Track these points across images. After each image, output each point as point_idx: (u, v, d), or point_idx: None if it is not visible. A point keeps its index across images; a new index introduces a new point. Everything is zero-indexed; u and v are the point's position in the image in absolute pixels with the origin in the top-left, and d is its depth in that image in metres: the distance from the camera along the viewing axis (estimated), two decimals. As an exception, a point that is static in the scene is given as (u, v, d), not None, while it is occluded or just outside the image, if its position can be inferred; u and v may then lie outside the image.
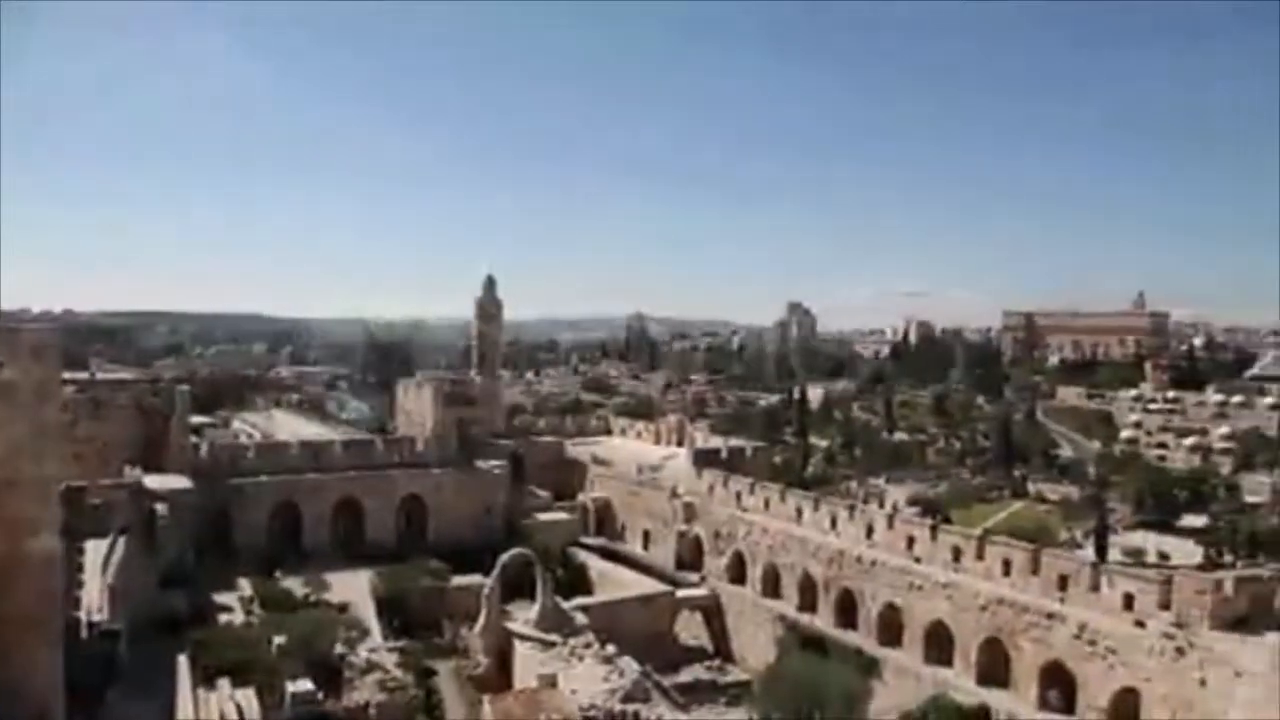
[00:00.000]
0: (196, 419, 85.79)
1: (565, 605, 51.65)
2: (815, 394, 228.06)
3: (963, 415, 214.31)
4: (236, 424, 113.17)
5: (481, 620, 51.02)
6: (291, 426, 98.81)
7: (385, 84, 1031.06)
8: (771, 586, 60.95)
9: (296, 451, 70.59)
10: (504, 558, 52.65)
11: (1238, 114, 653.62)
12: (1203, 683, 36.74)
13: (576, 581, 62.80)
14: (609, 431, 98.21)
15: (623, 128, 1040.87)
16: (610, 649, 44.71)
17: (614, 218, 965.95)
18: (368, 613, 53.76)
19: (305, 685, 39.12)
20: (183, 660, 33.08)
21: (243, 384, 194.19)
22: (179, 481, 55.33)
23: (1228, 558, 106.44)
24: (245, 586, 54.55)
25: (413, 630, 53.93)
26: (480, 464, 72.89)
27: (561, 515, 73.58)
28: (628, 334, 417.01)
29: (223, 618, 48.51)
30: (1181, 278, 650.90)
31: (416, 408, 78.64)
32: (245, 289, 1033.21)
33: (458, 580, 58.65)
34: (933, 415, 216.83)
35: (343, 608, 52.81)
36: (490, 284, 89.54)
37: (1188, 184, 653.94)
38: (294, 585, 56.04)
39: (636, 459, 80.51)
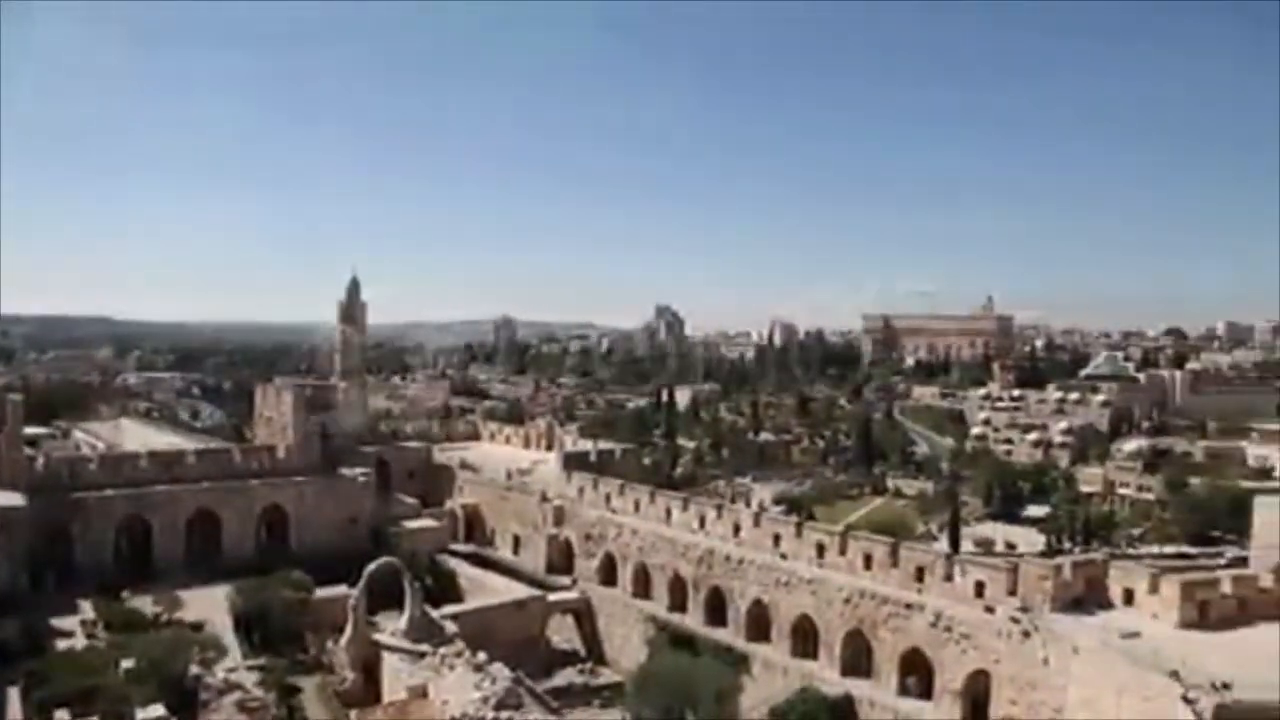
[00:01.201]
0: (31, 430, 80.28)
1: (435, 614, 50.66)
2: (683, 396, 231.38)
3: (825, 415, 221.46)
4: (78, 435, 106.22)
5: (347, 633, 49.53)
6: (141, 436, 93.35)
7: (242, 81, 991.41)
8: (642, 587, 61.45)
9: (146, 463, 66.73)
10: (370, 567, 51.23)
11: (1083, 131, 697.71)
12: (1045, 661, 39.06)
13: (446, 589, 61.79)
14: (477, 436, 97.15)
15: (486, 128, 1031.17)
16: (481, 657, 44.10)
17: (481, 220, 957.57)
18: (225, 630, 51.42)
19: (157, 710, 37.03)
20: (14, 693, 30.81)
21: (85, 392, 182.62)
22: (10, 498, 51.63)
23: (1066, 544, 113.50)
24: (88, 609, 51.31)
25: (275, 646, 51.86)
26: (345, 472, 70.82)
27: (430, 522, 72.24)
28: (496, 337, 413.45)
29: (61, 644, 45.55)
30: (1025, 282, 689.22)
31: (277, 414, 75.73)
32: (88, 289, 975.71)
33: (322, 592, 56.76)
34: (797, 416, 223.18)
35: (198, 626, 50.35)
36: (354, 287, 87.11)
37: (1032, 191, 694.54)
38: (143, 605, 53.07)
39: (506, 463, 79.86)
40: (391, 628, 48.36)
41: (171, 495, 64.17)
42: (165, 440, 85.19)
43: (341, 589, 54.21)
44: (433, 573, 62.42)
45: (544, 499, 70.51)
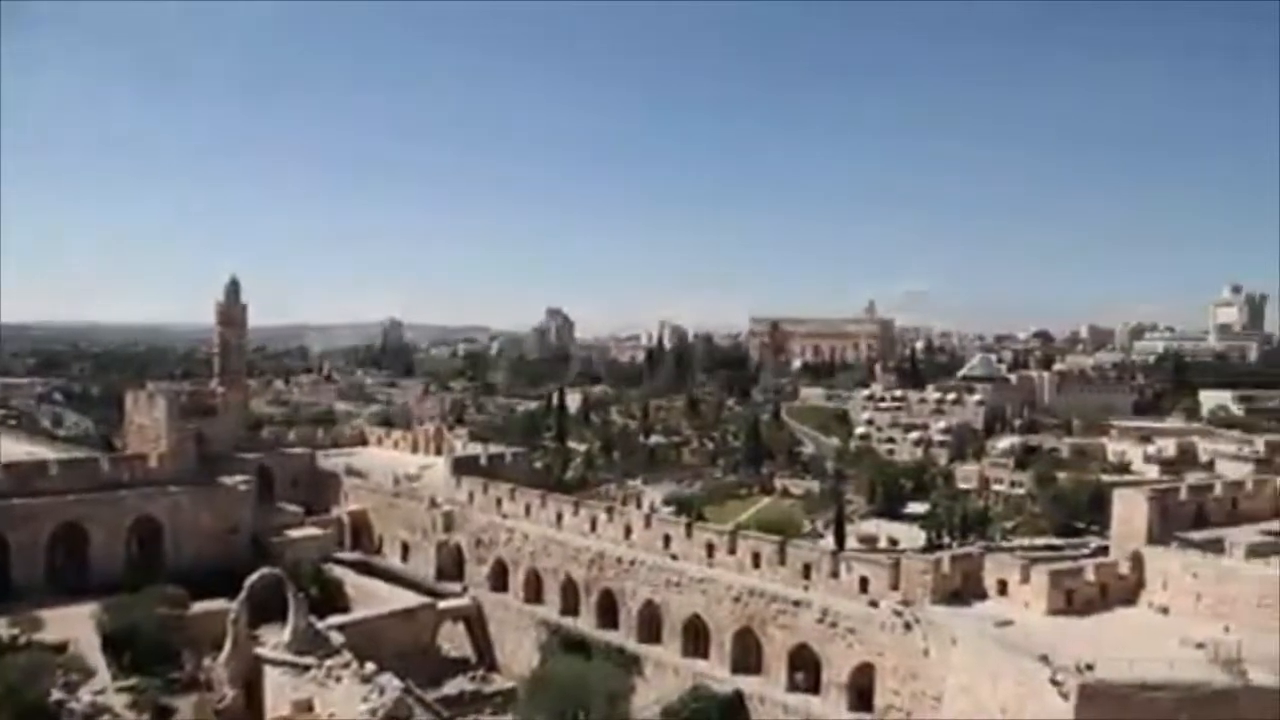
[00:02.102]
0: None
1: (320, 625, 49.18)
2: (574, 399, 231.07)
3: (714, 417, 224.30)
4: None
5: (227, 648, 47.62)
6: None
7: (117, 74, 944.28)
8: (534, 592, 61.10)
9: (0, 475, 62.86)
10: (251, 579, 49.38)
11: (951, 137, 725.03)
12: (926, 652, 40.55)
13: (332, 599, 60.05)
14: (364, 441, 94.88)
15: (369, 128, 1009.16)
16: (370, 667, 43.05)
17: (367, 219, 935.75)
18: (92, 650, 48.83)
19: (16, 737, 35.00)
20: None
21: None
22: None
23: (946, 539, 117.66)
24: (-66, 634, 47.98)
25: (147, 666, 49.47)
26: (224, 480, 68.16)
27: (314, 531, 70.16)
28: (383, 340, 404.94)
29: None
30: (905, 284, 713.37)
31: (149, 421, 72.35)
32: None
33: (199, 607, 54.47)
34: (687, 418, 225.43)
35: (60, 647, 47.68)
36: (233, 288, 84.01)
37: (916, 197, 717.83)
38: (-1, 626, 49.96)
39: (393, 469, 78.26)
40: (274, 641, 46.76)
41: (30, 509, 60.58)
42: (23, 450, 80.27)
43: (221, 603, 52.14)
44: (318, 582, 60.62)
45: (433, 504, 69.39)
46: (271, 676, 44.61)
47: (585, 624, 56.96)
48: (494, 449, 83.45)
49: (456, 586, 65.40)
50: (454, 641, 62.78)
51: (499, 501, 65.22)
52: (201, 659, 50.49)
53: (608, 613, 56.28)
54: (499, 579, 63.66)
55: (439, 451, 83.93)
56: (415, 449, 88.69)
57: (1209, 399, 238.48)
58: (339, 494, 77.87)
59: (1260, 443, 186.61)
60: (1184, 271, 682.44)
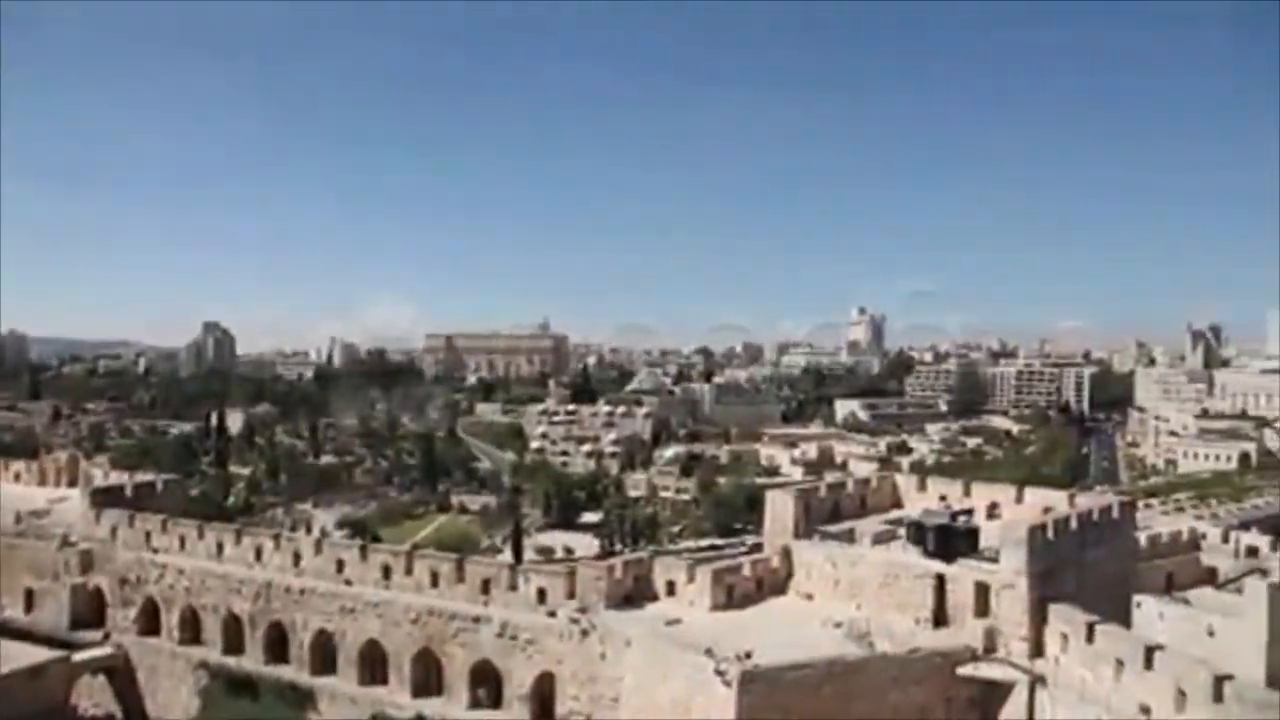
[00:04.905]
0: None
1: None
2: (236, 419, 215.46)
3: (388, 435, 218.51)
4: None
5: None
6: None
7: None
8: (192, 632, 56.01)
9: None
10: None
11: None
12: (603, 656, 42.15)
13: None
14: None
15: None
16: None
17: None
18: None
19: None
20: None
21: None
22: None
23: (619, 546, 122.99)
24: None
25: None
26: None
27: (-91, 583, 59.75)
28: (1, 355, 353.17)
29: None
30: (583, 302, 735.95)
31: None
32: None
33: None
34: (359, 436, 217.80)
35: None
36: None
37: (564, 219, 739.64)
38: None
39: (15, 505, 68.44)
40: None
41: None
42: None
43: None
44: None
45: (66, 543, 61.47)
46: None
47: (252, 661, 53.12)
48: (142, 477, 75.52)
49: (96, 635, 58.42)
50: (95, 698, 56.15)
51: (148, 535, 59.09)
52: None
53: (277, 647, 52.88)
54: (150, 622, 57.65)
55: (73, 483, 74.58)
56: (43, 481, 78.14)
57: (842, 407, 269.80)
58: (-58, 538, 66.80)
59: (883, 444, 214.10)
60: (819, 295, 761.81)
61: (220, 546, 56.47)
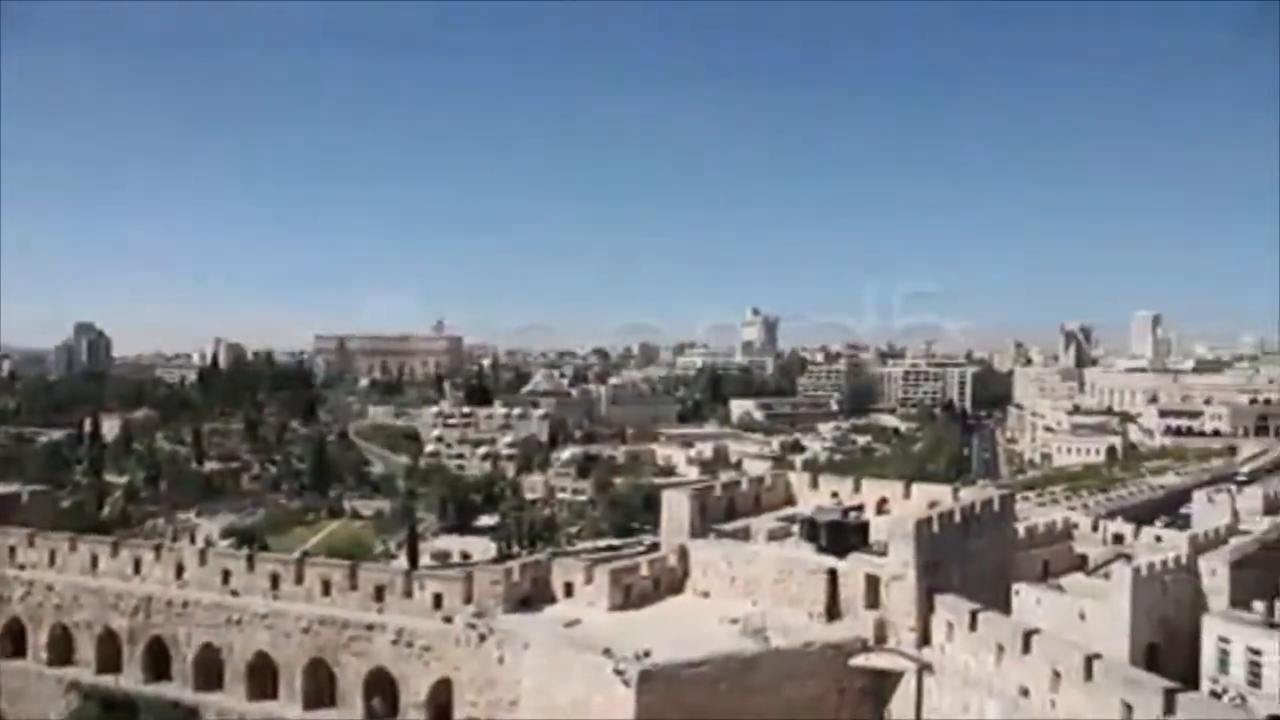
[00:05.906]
0: None
1: None
2: (112, 425, 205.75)
3: (276, 439, 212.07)
4: None
5: None
6: None
7: None
8: (62, 652, 53.16)
9: None
10: None
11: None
12: (501, 660, 41.73)
13: None
14: None
15: None
16: None
17: None
18: None
19: None
20: None
21: None
22: None
23: (516, 548, 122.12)
24: None
25: None
26: None
27: None
28: None
29: None
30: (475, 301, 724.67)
31: None
32: None
33: None
34: (246, 441, 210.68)
35: None
36: None
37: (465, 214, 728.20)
38: None
39: None
40: None
41: None
42: None
43: None
44: None
45: (-81, 562, 57.62)
46: None
47: (130, 680, 50.72)
48: (6, 488, 71.48)
49: (-47, 659, 54.90)
50: (-49, 725, 52.72)
51: (12, 551, 55.80)
52: None
53: (158, 664, 50.66)
54: (14, 643, 54.41)
55: (-71, 496, 69.95)
56: (-106, 495, 73.09)
57: (737, 407, 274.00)
58: None
59: (776, 443, 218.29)
60: (714, 294, 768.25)
61: (95, 560, 53.81)
